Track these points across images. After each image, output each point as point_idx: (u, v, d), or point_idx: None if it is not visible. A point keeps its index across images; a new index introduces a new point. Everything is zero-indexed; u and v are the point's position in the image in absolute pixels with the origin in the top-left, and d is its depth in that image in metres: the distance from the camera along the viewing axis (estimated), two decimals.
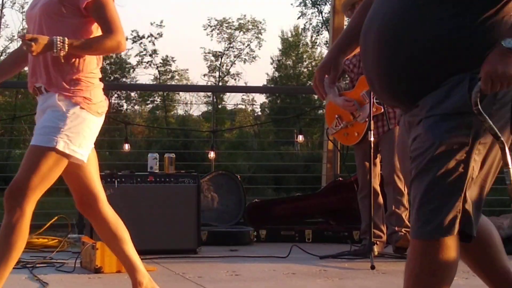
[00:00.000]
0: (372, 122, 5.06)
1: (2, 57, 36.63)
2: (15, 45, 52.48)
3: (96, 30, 3.36)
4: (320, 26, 38.72)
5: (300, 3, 38.58)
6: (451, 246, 2.36)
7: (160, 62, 39.56)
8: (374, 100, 5.12)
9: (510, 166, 2.31)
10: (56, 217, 5.53)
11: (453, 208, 2.33)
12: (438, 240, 2.35)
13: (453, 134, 2.31)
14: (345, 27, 7.60)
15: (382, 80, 2.46)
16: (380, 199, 5.37)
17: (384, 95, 2.54)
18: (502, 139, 2.29)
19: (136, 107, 41.06)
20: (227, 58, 40.46)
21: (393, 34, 2.40)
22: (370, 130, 5.01)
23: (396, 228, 5.28)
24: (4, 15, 36.14)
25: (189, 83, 39.42)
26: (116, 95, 39.62)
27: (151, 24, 47.00)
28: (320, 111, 10.88)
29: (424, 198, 2.35)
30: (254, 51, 40.75)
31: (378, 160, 5.39)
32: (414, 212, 2.40)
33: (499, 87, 2.26)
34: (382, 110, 5.10)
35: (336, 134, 5.48)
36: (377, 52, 2.44)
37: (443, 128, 2.31)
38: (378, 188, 5.36)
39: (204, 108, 37.42)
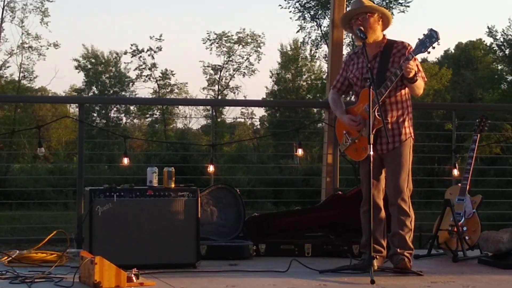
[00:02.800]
0: (374, 136, 5.05)
1: (1, 71, 36.64)
2: (14, 59, 52.61)
3: None
4: (319, 39, 38.75)
5: (299, 17, 38.60)
6: None
7: (159, 76, 39.60)
8: (376, 114, 5.11)
9: None
10: (54, 232, 5.49)
11: None
12: None
13: None
14: (344, 41, 7.60)
15: None
16: (383, 214, 5.34)
17: None
18: None
19: (135, 120, 41.11)
20: (226, 71, 40.49)
21: None
22: (370, 144, 5.00)
23: (398, 250, 5.26)
24: (4, 29, 36.06)
25: (188, 97, 39.41)
26: (115, 109, 39.68)
27: (151, 38, 46.88)
28: (320, 125, 10.85)
29: None
30: (253, 65, 40.75)
31: (383, 176, 5.36)
32: None
33: None
34: (382, 123, 5.08)
35: (346, 150, 5.47)
36: None
37: None
38: (381, 203, 5.34)
39: (203, 121, 37.42)
